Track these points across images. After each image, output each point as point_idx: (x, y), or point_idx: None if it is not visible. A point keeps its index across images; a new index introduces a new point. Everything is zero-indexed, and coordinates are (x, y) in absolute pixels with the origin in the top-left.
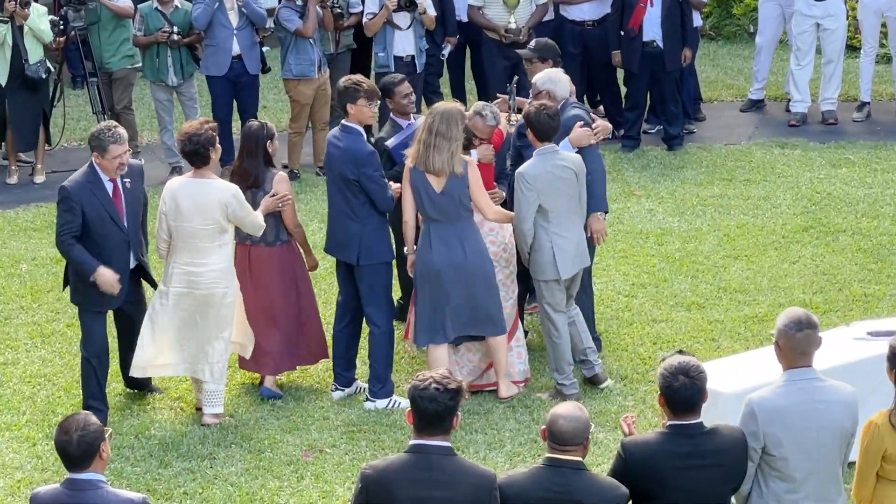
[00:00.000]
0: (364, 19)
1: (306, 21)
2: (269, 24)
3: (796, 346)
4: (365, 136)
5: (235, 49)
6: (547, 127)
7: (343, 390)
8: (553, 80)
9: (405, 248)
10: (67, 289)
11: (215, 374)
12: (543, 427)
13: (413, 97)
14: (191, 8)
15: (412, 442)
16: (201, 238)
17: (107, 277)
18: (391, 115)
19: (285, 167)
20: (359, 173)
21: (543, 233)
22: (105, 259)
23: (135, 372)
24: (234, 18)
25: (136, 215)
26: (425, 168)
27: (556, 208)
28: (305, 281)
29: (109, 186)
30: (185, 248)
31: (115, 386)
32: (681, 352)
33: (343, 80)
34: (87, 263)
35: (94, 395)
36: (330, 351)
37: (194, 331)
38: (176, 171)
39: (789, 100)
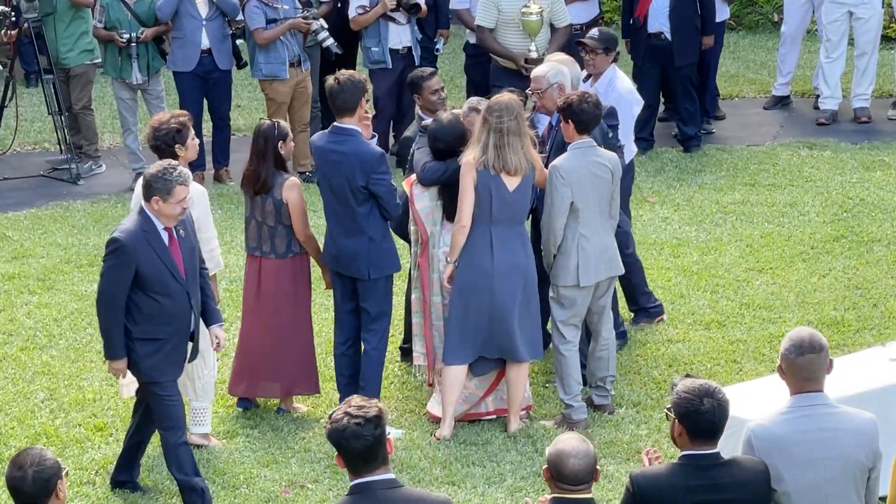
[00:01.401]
0: (351, 13)
1: (271, 30)
2: (242, 14)
3: (798, 371)
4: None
5: (205, 42)
6: (589, 118)
7: None
8: (563, 73)
9: (447, 258)
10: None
11: (198, 390)
12: (545, 466)
13: (443, 93)
14: None
15: (353, 483)
16: None
17: (120, 367)
18: (418, 111)
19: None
20: (368, 178)
21: (569, 234)
22: (165, 320)
23: (123, 391)
24: (203, 8)
25: (195, 269)
26: (502, 169)
27: (587, 208)
28: (308, 299)
29: (165, 236)
30: None
31: (73, 416)
32: (689, 375)
33: (339, 78)
34: (118, 347)
35: (196, 471)
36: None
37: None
38: (140, 176)
39: (818, 96)
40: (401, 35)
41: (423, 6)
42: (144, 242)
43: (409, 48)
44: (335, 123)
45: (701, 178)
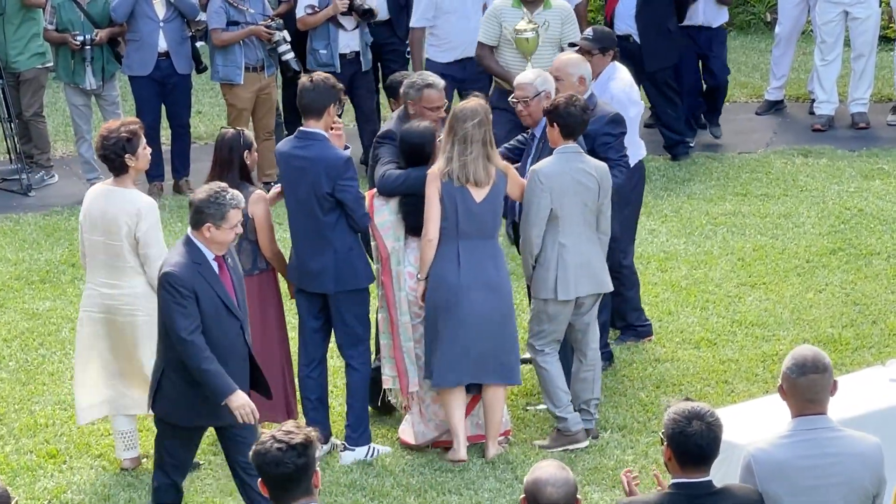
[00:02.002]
0: (299, 12)
1: (229, 32)
2: (202, 16)
3: (800, 392)
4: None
5: (162, 45)
6: (576, 122)
7: (321, 447)
8: (550, 81)
9: (418, 274)
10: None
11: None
12: (522, 496)
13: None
14: None
15: None
16: (111, 256)
17: (243, 401)
18: (396, 114)
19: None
20: (334, 185)
21: (549, 244)
22: (223, 358)
23: (80, 417)
24: (160, 9)
25: (245, 300)
26: (467, 181)
27: (568, 217)
28: (282, 318)
29: (215, 266)
30: (98, 265)
31: (24, 442)
32: (688, 399)
33: (313, 77)
34: (225, 385)
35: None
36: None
37: (116, 362)
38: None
39: (813, 100)
40: (348, 39)
41: (377, 9)
42: (198, 275)
43: (357, 53)
44: (301, 128)
45: (690, 187)
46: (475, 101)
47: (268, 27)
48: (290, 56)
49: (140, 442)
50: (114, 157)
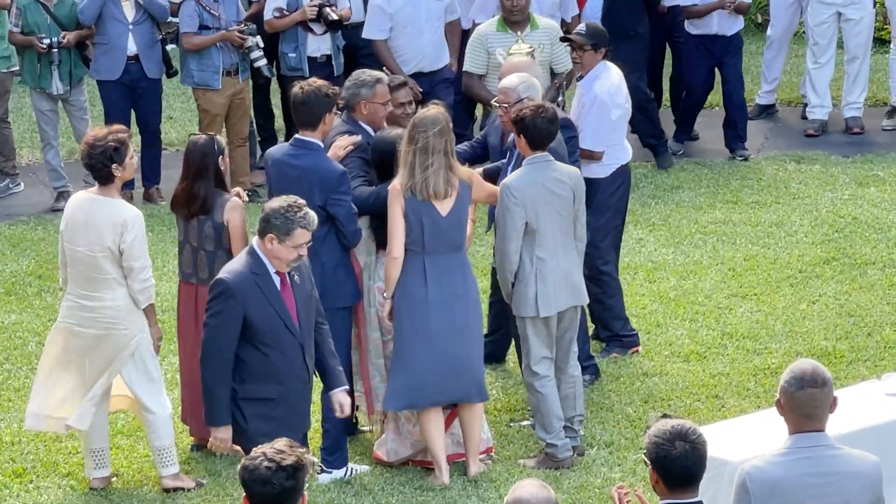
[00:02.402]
0: (267, 15)
1: (201, 37)
2: (173, 18)
3: (798, 407)
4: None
5: (131, 48)
6: (544, 133)
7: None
8: (534, 87)
9: (384, 294)
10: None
11: (156, 428)
12: None
13: (411, 108)
14: None
15: None
16: (92, 267)
17: (224, 437)
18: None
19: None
20: (327, 199)
21: (527, 258)
22: (276, 377)
23: (29, 422)
24: (129, 11)
25: (311, 320)
26: (429, 196)
27: (544, 229)
28: None
29: (277, 280)
30: (79, 276)
31: None
32: (666, 416)
33: (304, 87)
34: (223, 412)
35: None
36: None
37: (80, 377)
38: (63, 196)
39: (806, 104)
40: (319, 42)
41: (347, 13)
42: (254, 286)
43: (329, 56)
44: (296, 136)
45: (678, 195)
46: (435, 110)
47: (240, 32)
48: (262, 63)
49: (111, 461)
50: (100, 166)
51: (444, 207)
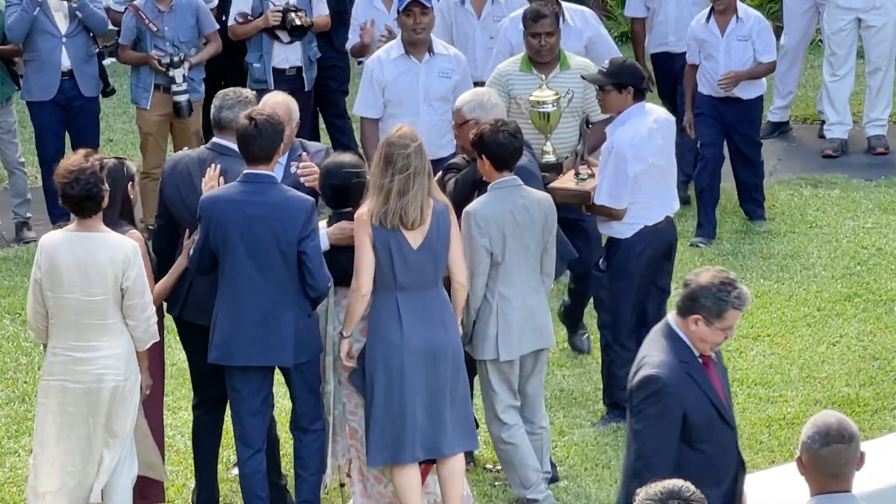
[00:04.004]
0: (230, 20)
1: (131, 53)
2: (110, 25)
3: (822, 465)
4: None
5: (65, 63)
6: (508, 150)
7: None
8: (484, 105)
9: (344, 331)
10: None
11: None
12: None
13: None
14: (3, 7)
15: None
16: (90, 314)
17: None
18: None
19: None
20: (300, 236)
21: (488, 294)
22: (713, 477)
23: (30, 499)
24: (62, 23)
25: (731, 405)
26: (401, 223)
27: (510, 263)
28: (159, 378)
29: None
30: (69, 327)
31: None
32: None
33: (256, 119)
34: None
35: None
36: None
37: (81, 440)
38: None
39: (823, 122)
40: (287, 53)
41: (323, 20)
42: (686, 378)
43: (299, 69)
44: (246, 171)
45: (681, 224)
46: (407, 128)
47: (160, 61)
48: (182, 98)
49: None
50: (97, 192)
51: (415, 239)
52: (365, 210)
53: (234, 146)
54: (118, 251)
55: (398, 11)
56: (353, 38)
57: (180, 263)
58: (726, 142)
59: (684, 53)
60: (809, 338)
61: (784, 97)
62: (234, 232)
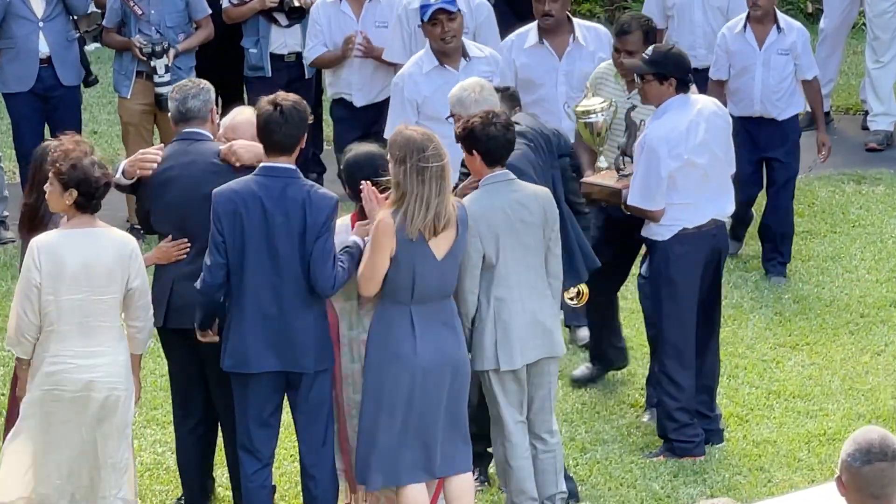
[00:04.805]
0: (224, 3)
1: (114, 37)
2: (93, 7)
3: (863, 485)
4: None
5: (43, 49)
6: (500, 142)
7: None
8: (463, 101)
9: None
10: None
11: None
12: None
13: None
14: None
15: None
16: (98, 315)
17: None
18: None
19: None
20: (321, 232)
21: (483, 299)
22: None
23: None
24: (38, 6)
25: None
26: (433, 232)
27: (505, 263)
28: None
29: None
30: (72, 332)
31: None
32: (712, 497)
33: (286, 108)
34: None
35: None
36: None
37: (87, 454)
38: None
39: (867, 112)
40: (286, 37)
41: (310, 2)
42: None
43: (299, 55)
44: (264, 163)
45: None
46: (419, 129)
47: (142, 49)
48: (164, 91)
49: None
50: (98, 185)
51: (439, 248)
52: (387, 217)
53: (207, 133)
54: (125, 247)
55: (422, 21)
56: (315, 46)
57: (149, 259)
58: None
59: (706, 69)
60: (852, 346)
61: (824, 86)
62: (251, 229)
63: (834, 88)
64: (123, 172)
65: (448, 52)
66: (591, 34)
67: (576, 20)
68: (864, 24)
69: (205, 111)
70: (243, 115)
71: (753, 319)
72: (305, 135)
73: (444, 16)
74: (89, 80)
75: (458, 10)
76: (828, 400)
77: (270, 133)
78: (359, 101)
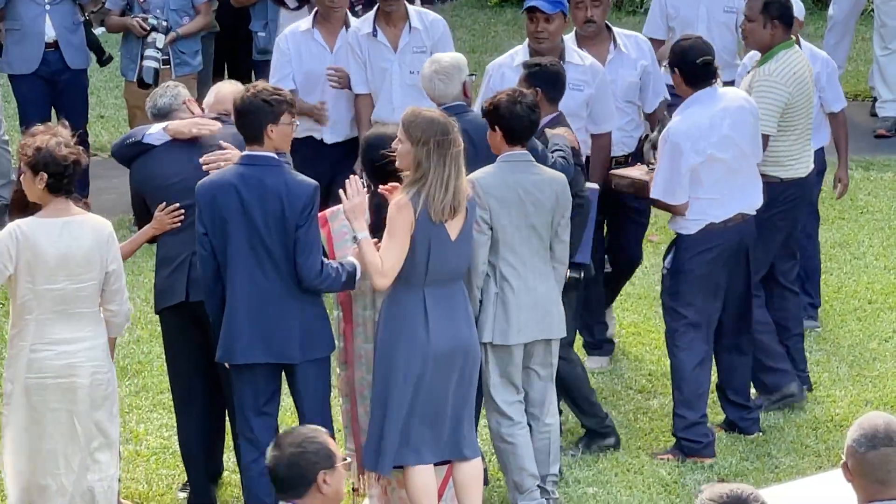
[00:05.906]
0: None
1: (116, 20)
2: None
3: (869, 470)
4: None
5: (49, 33)
6: (524, 122)
7: None
8: (442, 74)
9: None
10: None
11: (111, 498)
12: None
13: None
14: None
15: None
16: (76, 302)
17: None
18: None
19: None
20: (297, 224)
21: (490, 273)
22: None
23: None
24: None
25: None
26: (451, 215)
27: (511, 241)
28: None
29: None
30: (53, 319)
31: None
32: (723, 480)
33: (244, 97)
34: None
35: None
36: None
37: (74, 440)
38: None
39: (875, 99)
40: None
41: None
42: None
43: None
44: (245, 152)
45: None
46: (435, 111)
47: (143, 20)
48: (151, 64)
49: None
50: (75, 170)
51: (453, 229)
52: (405, 197)
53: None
54: (103, 232)
55: (524, 10)
56: (282, 81)
57: (146, 232)
58: None
59: None
60: (860, 333)
61: None
62: (231, 220)
63: (843, 75)
64: (165, 130)
65: (542, 53)
66: (630, 42)
67: (615, 28)
68: (871, 11)
69: (176, 104)
70: (226, 87)
71: None
72: (271, 123)
73: (541, 15)
74: (104, 60)
75: (561, 11)
76: (835, 386)
77: (237, 120)
78: (329, 139)
